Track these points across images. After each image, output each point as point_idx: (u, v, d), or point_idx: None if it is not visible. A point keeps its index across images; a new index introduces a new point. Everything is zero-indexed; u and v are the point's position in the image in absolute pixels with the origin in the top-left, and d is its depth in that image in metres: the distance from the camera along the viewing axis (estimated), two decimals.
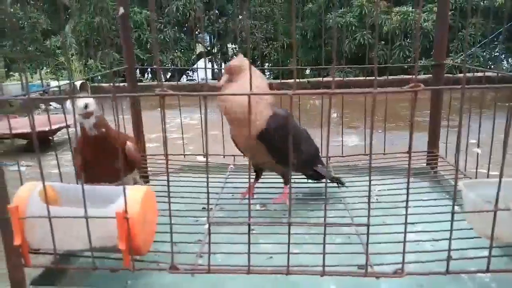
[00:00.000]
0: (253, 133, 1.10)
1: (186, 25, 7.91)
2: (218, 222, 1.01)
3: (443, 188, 1.31)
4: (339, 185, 1.29)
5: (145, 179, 1.42)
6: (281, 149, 1.11)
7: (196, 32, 6.95)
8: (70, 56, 6.73)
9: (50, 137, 3.42)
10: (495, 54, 6.87)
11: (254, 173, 1.29)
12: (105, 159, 0.98)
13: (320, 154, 1.32)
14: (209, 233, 0.75)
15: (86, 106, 0.94)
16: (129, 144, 1.05)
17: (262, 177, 1.31)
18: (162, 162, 1.51)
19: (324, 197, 1.17)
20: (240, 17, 7.13)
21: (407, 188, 0.69)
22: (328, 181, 1.27)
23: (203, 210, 1.11)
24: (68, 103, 0.86)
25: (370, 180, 0.69)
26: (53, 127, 2.33)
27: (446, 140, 1.41)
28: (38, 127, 0.80)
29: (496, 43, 6.79)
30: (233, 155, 1.49)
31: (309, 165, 1.27)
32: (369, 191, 0.69)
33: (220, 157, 1.52)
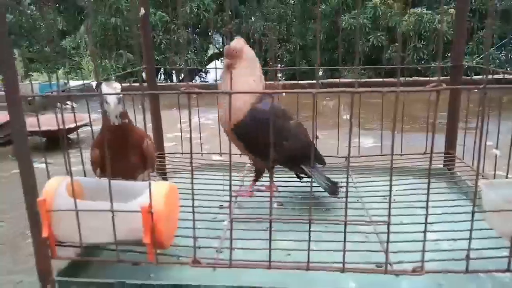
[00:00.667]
0: (230, 125, 1.12)
1: (199, 26, 7.94)
2: (240, 218, 1.02)
3: (461, 189, 1.30)
4: (331, 192, 1.18)
5: (163, 176, 1.45)
6: (255, 144, 1.14)
7: (209, 33, 6.99)
8: (85, 56, 6.83)
9: (70, 135, 3.50)
10: None
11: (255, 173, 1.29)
12: (123, 152, 0.98)
13: (314, 151, 1.24)
14: (231, 228, 0.76)
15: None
16: (147, 140, 1.05)
17: (279, 176, 1.32)
18: (179, 160, 1.53)
19: (342, 196, 1.18)
20: (253, 18, 7.15)
21: (428, 188, 0.69)
22: (317, 184, 1.18)
23: (221, 208, 1.12)
24: (105, 86, 0.88)
25: (391, 179, 0.70)
26: (72, 125, 2.41)
27: (464, 141, 1.40)
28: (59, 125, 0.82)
29: None
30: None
31: (295, 162, 1.22)
32: (390, 189, 0.70)
33: (237, 156, 1.54)
